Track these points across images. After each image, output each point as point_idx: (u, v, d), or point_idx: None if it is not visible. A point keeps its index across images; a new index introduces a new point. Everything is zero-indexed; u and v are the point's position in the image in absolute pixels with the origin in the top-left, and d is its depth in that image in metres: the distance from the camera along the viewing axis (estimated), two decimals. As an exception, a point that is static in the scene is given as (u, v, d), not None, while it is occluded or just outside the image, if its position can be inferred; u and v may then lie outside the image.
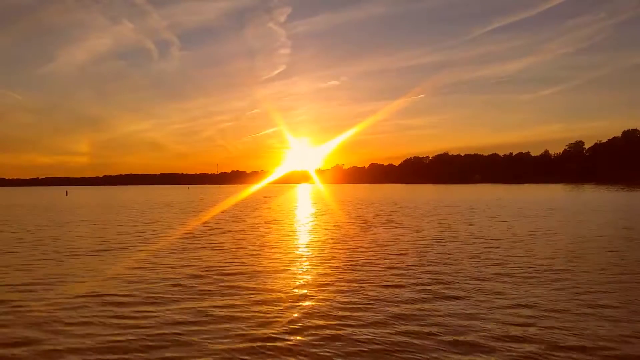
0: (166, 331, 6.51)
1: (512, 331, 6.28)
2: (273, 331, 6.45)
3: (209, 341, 6.08)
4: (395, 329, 6.44)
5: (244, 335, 6.32)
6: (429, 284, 9.13)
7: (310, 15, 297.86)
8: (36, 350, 5.85)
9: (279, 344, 5.97)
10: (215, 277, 10.07)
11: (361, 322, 6.80)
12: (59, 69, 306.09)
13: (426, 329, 6.45)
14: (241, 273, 10.51)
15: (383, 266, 11.11)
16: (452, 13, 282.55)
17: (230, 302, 7.92)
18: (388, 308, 7.45)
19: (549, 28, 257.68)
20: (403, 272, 10.39)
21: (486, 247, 13.86)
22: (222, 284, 9.31)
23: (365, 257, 12.36)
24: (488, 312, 7.16)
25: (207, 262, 11.92)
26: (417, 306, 7.62)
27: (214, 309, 7.52)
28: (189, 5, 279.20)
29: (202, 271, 10.74)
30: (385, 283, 9.26)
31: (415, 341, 6.01)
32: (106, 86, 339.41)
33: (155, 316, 7.21)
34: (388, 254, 12.91)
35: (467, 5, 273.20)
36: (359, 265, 11.22)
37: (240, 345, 5.93)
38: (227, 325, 6.70)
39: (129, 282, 9.54)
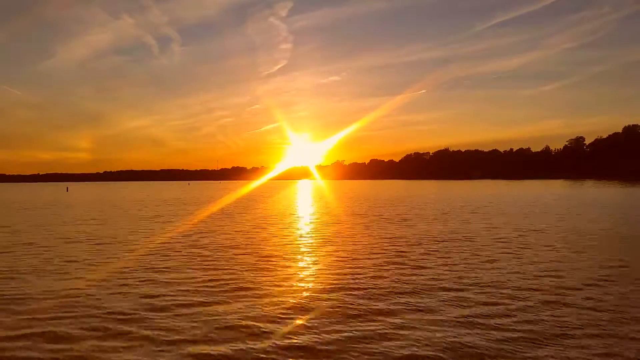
0: (166, 332, 6.67)
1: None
2: (280, 331, 6.61)
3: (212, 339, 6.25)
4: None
5: (256, 335, 6.48)
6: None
7: (311, 10, 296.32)
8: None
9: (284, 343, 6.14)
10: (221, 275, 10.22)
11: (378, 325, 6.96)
12: (59, 64, 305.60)
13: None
14: (249, 273, 10.65)
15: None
16: (454, 8, 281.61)
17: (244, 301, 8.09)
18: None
19: (551, 23, 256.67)
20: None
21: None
22: (231, 281, 9.47)
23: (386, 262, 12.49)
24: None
25: (212, 261, 12.06)
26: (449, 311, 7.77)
27: (220, 309, 7.68)
28: (189, 0, 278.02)
29: (206, 269, 10.88)
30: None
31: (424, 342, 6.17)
32: (106, 82, 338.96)
33: (153, 317, 7.37)
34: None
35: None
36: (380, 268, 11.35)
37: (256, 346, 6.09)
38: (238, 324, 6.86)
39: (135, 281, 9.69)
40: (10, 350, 5.93)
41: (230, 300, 8.05)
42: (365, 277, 9.72)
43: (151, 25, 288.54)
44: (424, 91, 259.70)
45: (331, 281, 9.44)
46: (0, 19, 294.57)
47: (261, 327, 6.63)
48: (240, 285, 9.19)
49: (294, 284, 9.29)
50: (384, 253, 12.69)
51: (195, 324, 6.80)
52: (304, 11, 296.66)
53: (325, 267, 10.94)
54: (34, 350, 5.92)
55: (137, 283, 9.44)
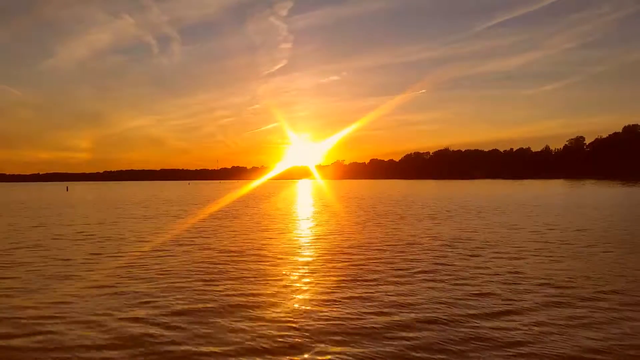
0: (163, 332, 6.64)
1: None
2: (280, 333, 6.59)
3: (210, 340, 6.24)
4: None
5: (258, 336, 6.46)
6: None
7: (311, 10, 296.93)
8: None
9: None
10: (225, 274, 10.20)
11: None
12: (59, 64, 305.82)
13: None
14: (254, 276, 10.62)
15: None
16: (454, 8, 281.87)
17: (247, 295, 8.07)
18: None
19: (551, 23, 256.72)
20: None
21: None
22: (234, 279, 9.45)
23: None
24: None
25: (213, 261, 12.03)
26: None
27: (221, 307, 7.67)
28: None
29: (206, 270, 10.85)
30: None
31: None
32: (106, 82, 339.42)
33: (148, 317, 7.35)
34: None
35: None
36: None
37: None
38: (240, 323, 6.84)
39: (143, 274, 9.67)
40: (16, 349, 5.93)
41: (233, 301, 8.03)
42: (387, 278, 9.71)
43: (151, 25, 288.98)
44: (424, 91, 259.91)
45: (340, 283, 9.42)
46: (0, 19, 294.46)
47: (264, 330, 6.61)
48: (241, 286, 9.17)
49: (298, 285, 9.27)
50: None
51: (196, 324, 6.79)
52: (304, 11, 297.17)
53: (331, 268, 10.92)
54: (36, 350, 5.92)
55: (138, 282, 9.43)
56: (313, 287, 8.94)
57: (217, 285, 9.11)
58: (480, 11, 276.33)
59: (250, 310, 7.37)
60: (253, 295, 8.33)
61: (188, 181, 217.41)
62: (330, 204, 36.23)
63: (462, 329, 6.39)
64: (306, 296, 8.25)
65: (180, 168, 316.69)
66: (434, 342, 5.93)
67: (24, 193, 76.95)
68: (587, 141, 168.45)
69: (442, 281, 9.19)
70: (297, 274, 10.21)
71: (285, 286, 9.01)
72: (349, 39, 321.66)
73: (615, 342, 5.87)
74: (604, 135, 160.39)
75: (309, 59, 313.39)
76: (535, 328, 6.39)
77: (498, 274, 9.73)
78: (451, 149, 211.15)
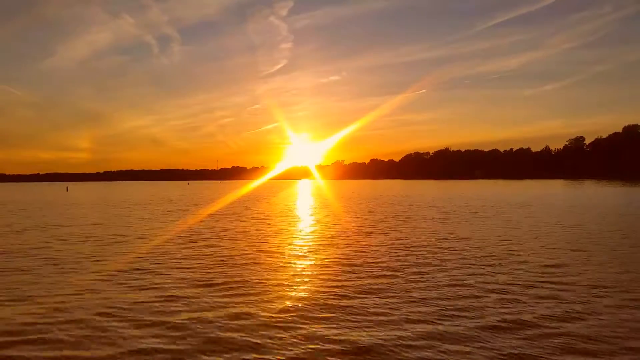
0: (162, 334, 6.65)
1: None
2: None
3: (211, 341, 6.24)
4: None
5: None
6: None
7: (311, 10, 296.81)
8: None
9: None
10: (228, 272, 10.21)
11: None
12: (59, 64, 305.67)
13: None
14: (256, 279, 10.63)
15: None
16: (454, 8, 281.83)
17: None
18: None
19: (551, 23, 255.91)
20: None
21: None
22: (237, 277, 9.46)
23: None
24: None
25: (214, 260, 12.03)
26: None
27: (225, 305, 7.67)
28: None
29: (207, 269, 10.85)
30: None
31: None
32: (106, 81, 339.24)
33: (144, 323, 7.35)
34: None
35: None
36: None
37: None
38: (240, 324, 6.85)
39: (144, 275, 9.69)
40: (18, 347, 5.94)
41: (233, 300, 8.04)
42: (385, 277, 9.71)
43: (151, 25, 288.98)
44: (424, 91, 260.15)
45: (336, 281, 9.43)
46: (0, 18, 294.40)
47: (262, 329, 6.63)
48: (241, 284, 9.17)
49: (298, 285, 9.28)
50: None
51: (195, 324, 6.80)
52: (304, 11, 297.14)
53: (329, 267, 10.92)
54: (38, 347, 5.93)
55: (137, 281, 9.43)
56: (314, 289, 8.96)
57: (217, 286, 9.12)
58: (480, 11, 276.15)
59: (250, 311, 7.38)
60: (253, 297, 8.34)
61: (188, 181, 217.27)
62: (331, 205, 36.22)
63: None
64: (307, 297, 8.28)
65: (180, 168, 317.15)
66: (453, 353, 5.96)
67: (24, 193, 76.87)
68: (587, 141, 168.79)
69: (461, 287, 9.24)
70: (298, 276, 10.22)
71: (285, 287, 9.05)
72: (349, 39, 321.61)
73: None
74: (604, 135, 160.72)
75: (309, 59, 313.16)
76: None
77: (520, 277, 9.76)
78: (451, 149, 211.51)
